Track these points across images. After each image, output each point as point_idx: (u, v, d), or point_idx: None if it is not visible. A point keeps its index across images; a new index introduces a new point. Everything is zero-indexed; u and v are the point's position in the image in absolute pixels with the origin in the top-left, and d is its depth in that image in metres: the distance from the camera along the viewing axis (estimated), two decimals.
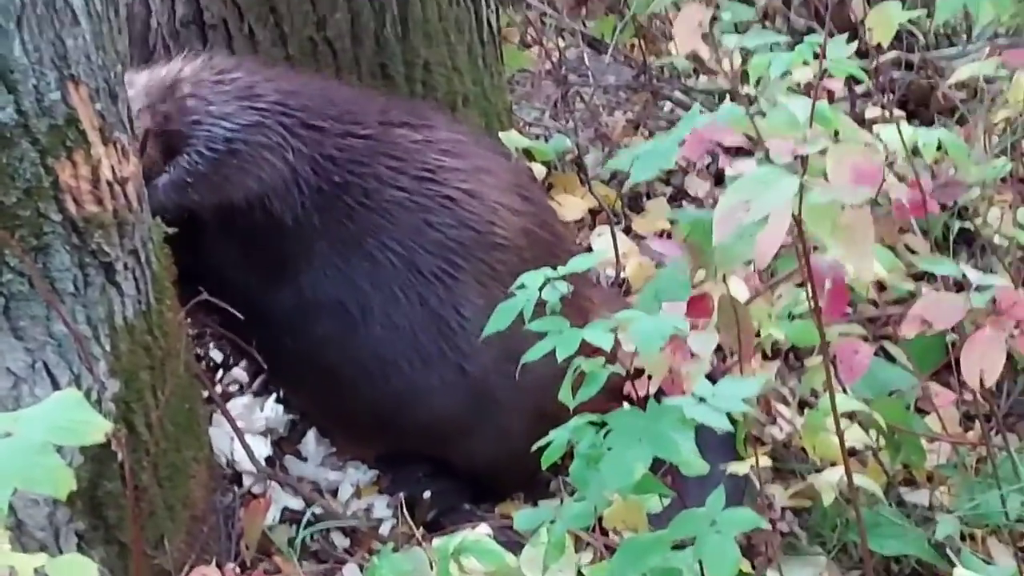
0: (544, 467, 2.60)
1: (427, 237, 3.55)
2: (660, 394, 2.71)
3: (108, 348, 2.83)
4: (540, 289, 2.66)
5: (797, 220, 2.46)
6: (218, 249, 3.49)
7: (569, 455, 2.57)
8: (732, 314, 2.93)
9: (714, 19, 5.18)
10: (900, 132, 3.38)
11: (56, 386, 2.75)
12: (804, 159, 2.62)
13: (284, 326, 3.53)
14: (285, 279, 3.56)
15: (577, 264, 2.79)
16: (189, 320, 3.28)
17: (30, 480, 1.83)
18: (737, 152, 4.38)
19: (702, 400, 2.42)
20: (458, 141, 3.76)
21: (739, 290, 3.13)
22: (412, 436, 3.75)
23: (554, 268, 3.47)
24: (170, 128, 3.48)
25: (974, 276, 3.01)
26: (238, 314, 3.37)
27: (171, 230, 3.15)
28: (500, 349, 3.42)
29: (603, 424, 2.47)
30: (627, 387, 2.82)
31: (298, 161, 3.51)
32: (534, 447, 2.62)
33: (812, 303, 2.77)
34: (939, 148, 3.50)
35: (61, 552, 2.81)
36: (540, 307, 2.68)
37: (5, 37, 2.54)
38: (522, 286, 2.70)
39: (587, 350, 2.61)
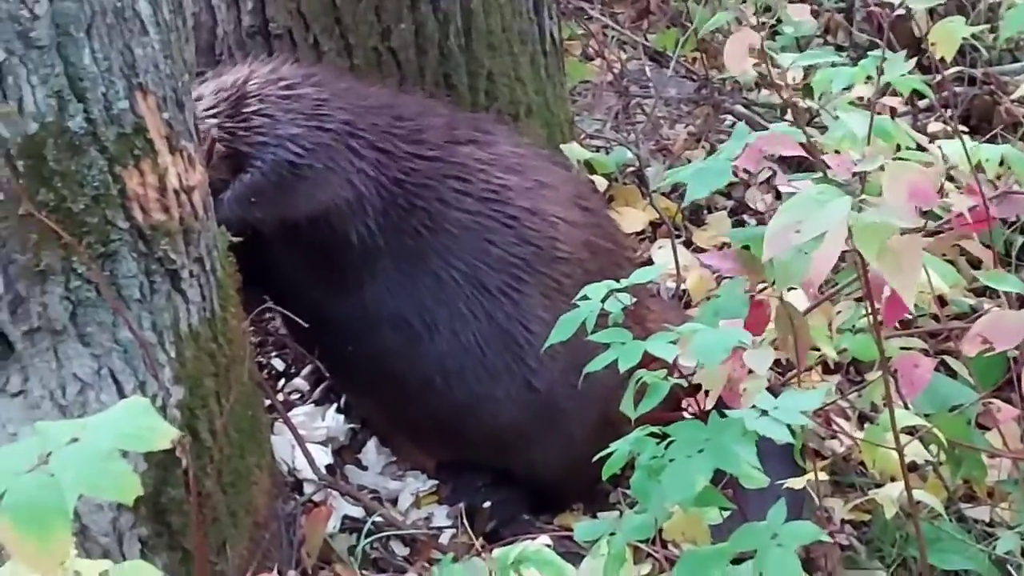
0: (604, 478, 2.60)
1: (491, 255, 3.57)
2: (721, 406, 2.71)
3: (173, 355, 2.84)
4: (603, 301, 2.67)
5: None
6: (283, 259, 3.51)
7: (628, 467, 2.57)
8: (789, 324, 2.93)
9: (776, 33, 5.19)
10: (964, 147, 3.37)
11: (122, 392, 2.76)
12: (863, 176, 2.62)
13: (348, 335, 3.55)
14: (349, 292, 3.58)
15: (639, 276, 2.80)
16: (252, 328, 3.28)
17: (97, 486, 1.84)
18: (799, 166, 4.38)
19: (764, 413, 2.42)
20: (520, 156, 3.78)
21: (797, 301, 3.12)
22: (475, 445, 3.77)
23: (616, 278, 3.50)
24: (236, 144, 3.50)
25: None
26: (302, 322, 3.39)
27: (236, 239, 3.16)
28: (566, 361, 3.44)
29: (664, 436, 2.47)
30: (687, 400, 2.83)
31: (364, 184, 3.52)
32: (595, 458, 2.62)
33: (871, 318, 2.77)
34: (1001, 163, 3.49)
35: (124, 558, 2.82)
36: (602, 318, 2.68)
37: (75, 46, 2.56)
38: (585, 297, 2.71)
39: (647, 361, 2.62)
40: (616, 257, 3.81)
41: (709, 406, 2.79)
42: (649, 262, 4.50)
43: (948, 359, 3.85)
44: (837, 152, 3.02)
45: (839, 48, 5.71)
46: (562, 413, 3.64)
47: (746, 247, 3.09)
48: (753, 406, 2.45)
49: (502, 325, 3.57)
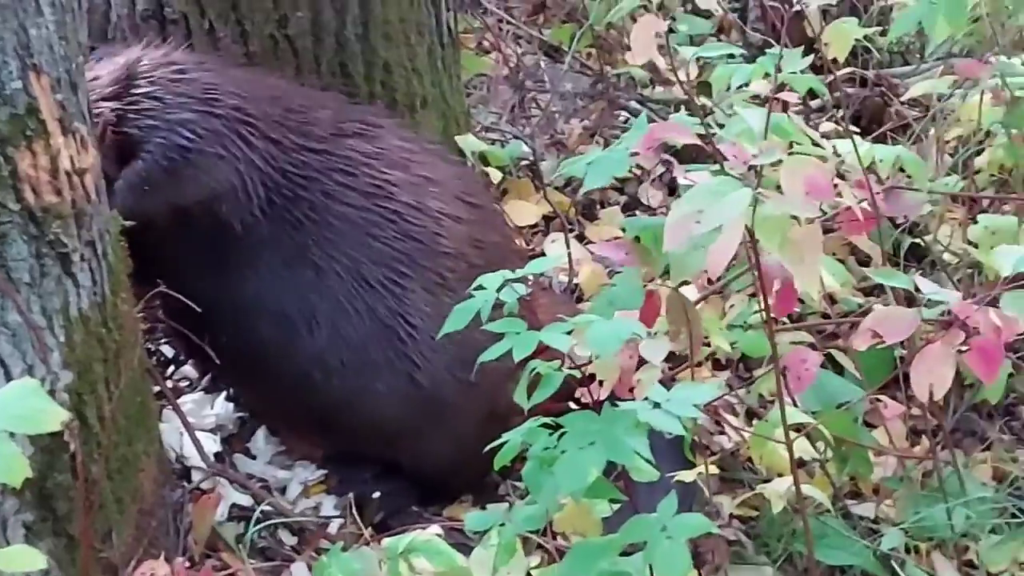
0: (496, 469, 2.61)
1: (373, 250, 3.56)
2: (612, 398, 2.72)
3: (63, 339, 2.81)
4: (498, 290, 2.67)
5: (750, 231, 2.48)
6: (169, 246, 3.47)
7: (518, 458, 2.57)
8: (682, 314, 2.94)
9: (670, 31, 5.22)
10: (856, 146, 3.40)
11: (9, 376, 2.73)
12: (758, 170, 2.64)
13: (227, 326, 3.52)
14: (231, 282, 3.55)
15: (532, 267, 2.80)
16: (142, 314, 3.25)
17: None
18: (692, 163, 4.41)
19: (656, 405, 2.43)
20: (407, 150, 3.77)
21: (689, 295, 3.14)
22: (357, 439, 3.76)
23: None
24: (126, 127, 3.46)
25: (927, 288, 3.02)
26: (195, 307, 3.36)
27: (128, 223, 3.13)
28: (451, 355, 3.44)
29: (557, 427, 2.47)
30: (581, 390, 2.83)
31: (251, 173, 3.50)
32: (486, 448, 2.62)
33: (764, 314, 2.79)
34: (894, 164, 3.53)
35: (8, 543, 2.79)
36: (496, 310, 2.68)
37: None
38: (480, 287, 2.71)
39: (539, 352, 2.62)
40: (503, 251, 3.81)
41: (603, 397, 2.80)
42: (542, 255, 4.52)
43: (837, 356, 3.90)
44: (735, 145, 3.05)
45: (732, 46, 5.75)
46: (447, 407, 3.64)
47: (638, 239, 3.11)
48: (646, 398, 2.46)
49: (384, 320, 3.55)
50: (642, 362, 2.90)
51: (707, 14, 5.39)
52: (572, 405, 2.75)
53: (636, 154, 2.90)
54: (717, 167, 2.75)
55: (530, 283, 2.83)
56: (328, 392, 3.61)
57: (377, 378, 3.59)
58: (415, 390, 3.60)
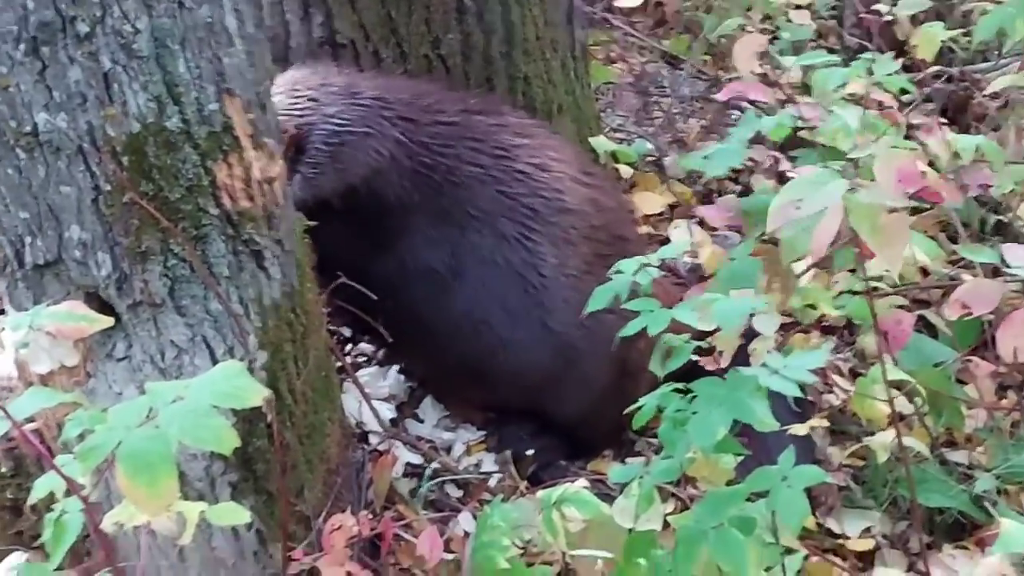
0: (635, 429, 2.61)
1: (505, 206, 3.57)
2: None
3: (258, 324, 2.85)
4: (635, 273, 2.68)
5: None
6: (340, 234, 3.50)
7: (652, 419, 2.58)
8: (780, 278, 2.93)
9: (775, 38, 5.17)
10: (944, 137, 3.36)
11: (213, 357, 2.78)
12: (855, 161, 2.62)
13: (387, 291, 3.53)
14: (388, 250, 3.59)
15: (663, 253, 2.81)
16: (324, 300, 3.29)
17: (200, 438, 1.86)
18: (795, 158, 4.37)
19: (774, 371, 2.42)
20: (526, 124, 3.81)
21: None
22: (504, 388, 3.76)
23: (620, 235, 3.51)
24: (292, 129, 3.51)
25: (1014, 259, 2.98)
26: (366, 291, 3.39)
27: (311, 223, 3.16)
28: (579, 305, 3.44)
29: (686, 392, 2.47)
30: (706, 359, 2.83)
31: (396, 148, 3.54)
32: (625, 411, 2.62)
33: (865, 286, 2.77)
34: (976, 151, 3.48)
35: (217, 500, 2.84)
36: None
37: (171, 56, 2.56)
38: (619, 271, 2.72)
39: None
40: (619, 214, 3.82)
41: (724, 365, 2.79)
42: (667, 240, 4.51)
43: (931, 319, 3.86)
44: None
45: (831, 51, 5.68)
46: (579, 353, 3.63)
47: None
48: (764, 364, 2.45)
49: (518, 270, 3.56)
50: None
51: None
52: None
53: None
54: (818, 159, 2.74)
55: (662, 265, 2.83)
56: (477, 343, 3.63)
57: (516, 327, 3.60)
58: (548, 336, 3.60)
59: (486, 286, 3.57)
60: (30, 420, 2.14)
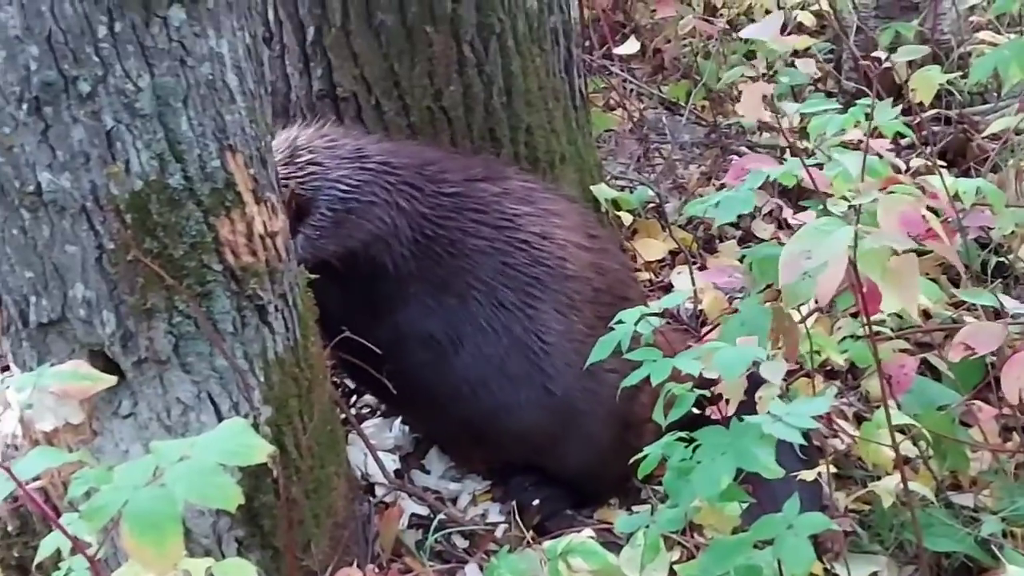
0: (640, 477, 2.61)
1: (507, 276, 3.58)
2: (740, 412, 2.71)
3: (262, 379, 2.86)
4: (636, 324, 2.68)
5: (852, 262, 2.46)
6: (340, 291, 3.50)
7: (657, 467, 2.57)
8: (787, 329, 2.93)
9: (773, 81, 5.19)
10: (942, 179, 3.37)
11: (219, 412, 2.78)
12: (857, 208, 2.62)
13: (388, 355, 3.53)
14: (386, 315, 3.58)
15: (666, 302, 2.81)
16: (328, 352, 3.29)
17: (206, 496, 1.85)
18: (796, 200, 4.38)
19: (778, 419, 2.41)
20: (530, 189, 3.79)
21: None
22: (507, 447, 3.76)
23: (623, 295, 3.53)
24: (295, 191, 3.52)
25: (1011, 305, 2.98)
26: (368, 344, 3.40)
27: (313, 276, 3.17)
28: (581, 369, 3.44)
29: (691, 440, 2.47)
30: (711, 407, 2.83)
31: (398, 216, 3.54)
32: (631, 460, 2.62)
33: (867, 329, 2.77)
34: (977, 193, 3.49)
35: (223, 556, 2.84)
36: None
37: (174, 114, 2.58)
38: (620, 322, 2.72)
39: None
40: (621, 275, 3.82)
41: (729, 413, 2.78)
42: (670, 286, 4.51)
43: (934, 362, 3.85)
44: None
45: (829, 94, 5.71)
46: (580, 414, 3.63)
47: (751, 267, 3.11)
48: (768, 412, 2.45)
49: (520, 338, 3.56)
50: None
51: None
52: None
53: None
54: (821, 205, 2.74)
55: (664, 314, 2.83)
56: (477, 406, 3.62)
57: (517, 390, 3.59)
58: (550, 399, 3.59)
59: (485, 353, 3.58)
60: (36, 479, 2.14)
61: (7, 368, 2.87)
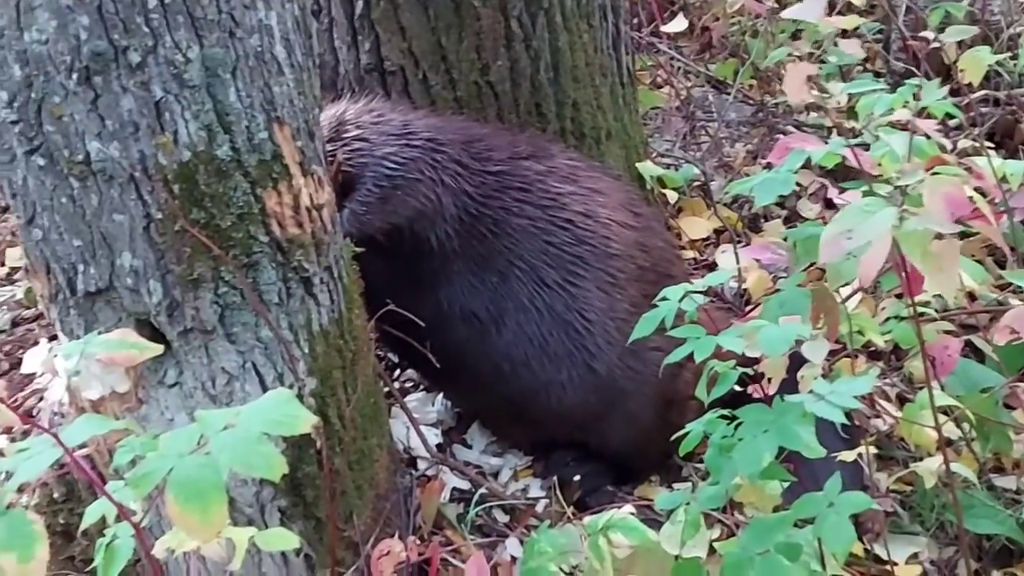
0: (681, 455, 2.61)
1: (550, 255, 3.58)
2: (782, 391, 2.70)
3: (307, 350, 2.86)
4: (680, 300, 2.68)
5: (896, 244, 2.45)
6: (385, 266, 3.51)
7: (698, 444, 2.57)
8: (829, 308, 2.92)
9: (822, 61, 5.16)
10: (990, 161, 3.35)
11: (263, 383, 2.79)
12: (903, 189, 2.61)
13: (431, 331, 3.54)
14: (428, 291, 3.59)
15: (710, 280, 2.80)
16: (372, 326, 3.30)
17: (250, 465, 1.86)
18: (843, 179, 4.36)
19: (820, 398, 2.41)
20: (575, 167, 3.78)
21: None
22: (548, 425, 3.77)
23: (667, 273, 3.52)
24: (344, 166, 3.52)
25: None
26: (413, 317, 3.41)
27: (359, 249, 3.18)
28: (623, 347, 3.44)
29: (733, 418, 2.47)
30: (753, 386, 2.82)
31: (444, 193, 3.54)
32: (672, 437, 2.62)
33: (911, 310, 2.75)
34: None
35: (266, 526, 2.86)
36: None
37: (222, 86, 2.58)
38: (664, 299, 2.71)
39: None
40: (665, 253, 3.81)
41: (771, 392, 2.78)
42: (714, 264, 4.50)
43: (978, 344, 3.83)
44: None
45: (877, 74, 5.68)
46: (623, 392, 3.63)
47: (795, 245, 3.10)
48: (811, 391, 2.44)
49: (562, 316, 3.56)
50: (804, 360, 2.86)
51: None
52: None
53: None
54: (865, 186, 2.72)
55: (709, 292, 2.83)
56: (518, 384, 3.63)
57: (559, 369, 3.59)
58: (593, 378, 3.60)
59: (526, 332, 3.58)
60: (82, 446, 2.16)
61: (55, 336, 2.89)
